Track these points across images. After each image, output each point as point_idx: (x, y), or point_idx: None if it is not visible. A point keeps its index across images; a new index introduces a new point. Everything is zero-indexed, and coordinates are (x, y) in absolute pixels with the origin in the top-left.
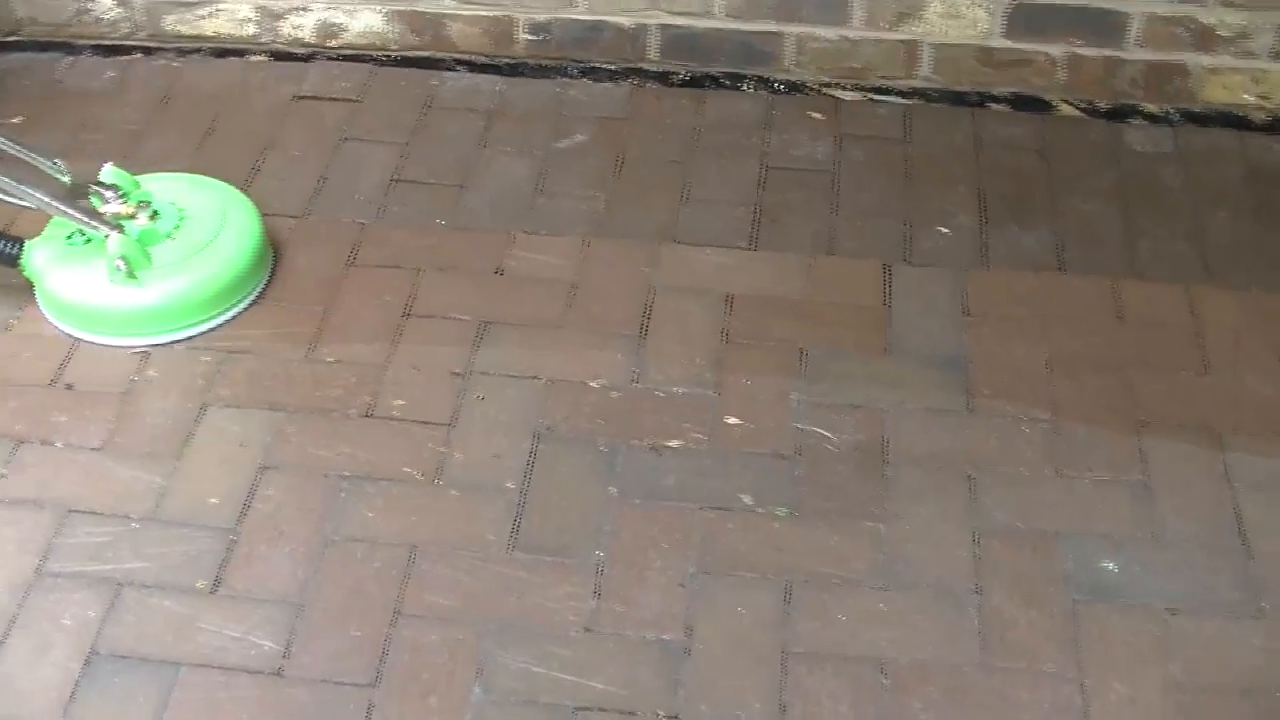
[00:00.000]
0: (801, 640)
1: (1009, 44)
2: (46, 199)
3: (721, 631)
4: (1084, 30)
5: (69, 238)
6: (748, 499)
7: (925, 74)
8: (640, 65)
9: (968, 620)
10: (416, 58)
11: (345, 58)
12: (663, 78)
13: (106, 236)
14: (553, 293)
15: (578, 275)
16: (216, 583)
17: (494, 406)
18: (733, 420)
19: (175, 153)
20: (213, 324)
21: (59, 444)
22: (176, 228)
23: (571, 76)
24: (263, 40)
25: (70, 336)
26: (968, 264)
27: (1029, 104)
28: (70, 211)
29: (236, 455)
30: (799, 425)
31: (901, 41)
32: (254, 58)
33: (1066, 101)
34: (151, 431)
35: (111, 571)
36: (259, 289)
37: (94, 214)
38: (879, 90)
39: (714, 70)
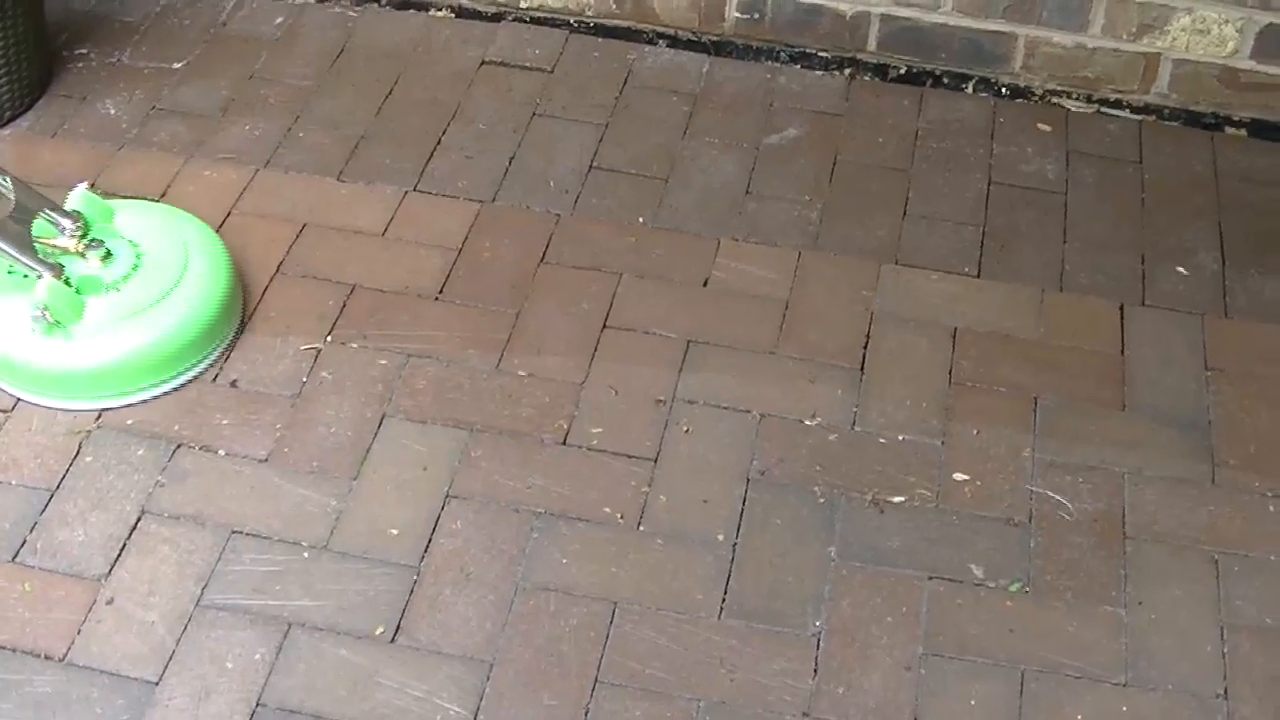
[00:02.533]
0: None
1: (1255, 66)
2: None
3: None
4: None
5: (11, 268)
6: (979, 570)
7: (1161, 90)
8: (856, 55)
9: None
10: (615, 27)
11: (536, 20)
12: (879, 70)
13: (37, 277)
14: (764, 312)
15: (791, 293)
16: (397, 630)
17: (702, 442)
18: (961, 476)
19: (351, 117)
20: (145, 395)
21: (222, 452)
22: (125, 278)
23: (782, 61)
24: None
25: None
26: (1207, 309)
27: (1269, 131)
28: None
29: (419, 480)
30: (1032, 487)
31: (1141, 54)
32: (437, 12)
33: None
34: (323, 443)
35: (280, 608)
36: (208, 360)
37: (27, 247)
38: (1110, 103)
39: (935, 67)
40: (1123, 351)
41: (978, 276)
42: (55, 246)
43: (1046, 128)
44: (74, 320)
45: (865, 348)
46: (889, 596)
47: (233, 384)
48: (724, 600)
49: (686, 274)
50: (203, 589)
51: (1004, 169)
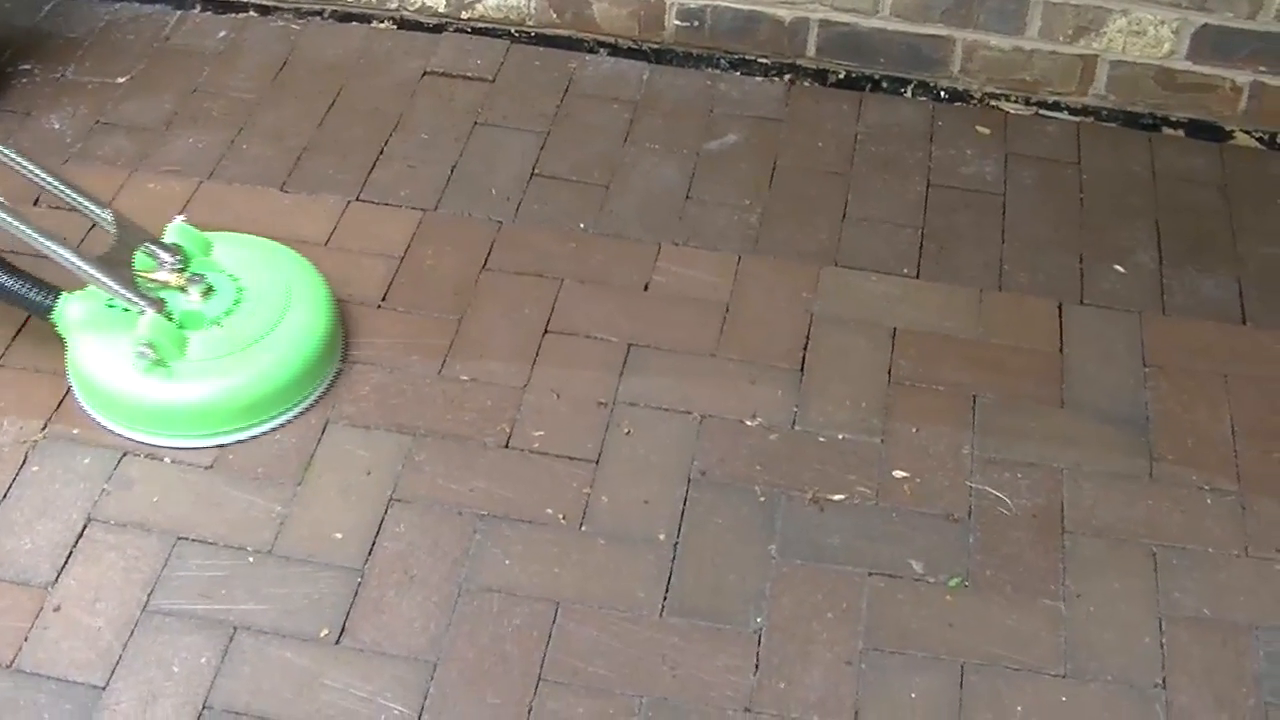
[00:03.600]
0: None
1: (1192, 66)
2: (70, 256)
3: (891, 719)
4: (1271, 58)
5: (111, 300)
6: (918, 566)
7: (1099, 91)
8: (796, 61)
9: (1154, 719)
10: (555, 36)
11: (478, 31)
12: (819, 75)
13: (140, 313)
14: (704, 315)
15: (731, 296)
16: (341, 632)
17: (643, 443)
18: (900, 474)
19: (294, 128)
20: (243, 435)
21: (168, 460)
22: (228, 313)
23: (722, 68)
24: (390, 6)
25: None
26: (1145, 307)
27: (1205, 130)
28: (100, 277)
29: (363, 484)
30: (971, 484)
31: (1079, 55)
32: (380, 24)
33: (1245, 131)
34: (267, 450)
35: (225, 612)
36: (312, 397)
37: (130, 282)
38: (1048, 105)
39: (874, 72)
40: (1061, 350)
41: (917, 277)
42: (156, 280)
43: (985, 130)
44: (177, 356)
45: (805, 349)
46: (829, 593)
47: None
48: (666, 598)
49: (627, 279)
50: (149, 595)
51: (943, 171)
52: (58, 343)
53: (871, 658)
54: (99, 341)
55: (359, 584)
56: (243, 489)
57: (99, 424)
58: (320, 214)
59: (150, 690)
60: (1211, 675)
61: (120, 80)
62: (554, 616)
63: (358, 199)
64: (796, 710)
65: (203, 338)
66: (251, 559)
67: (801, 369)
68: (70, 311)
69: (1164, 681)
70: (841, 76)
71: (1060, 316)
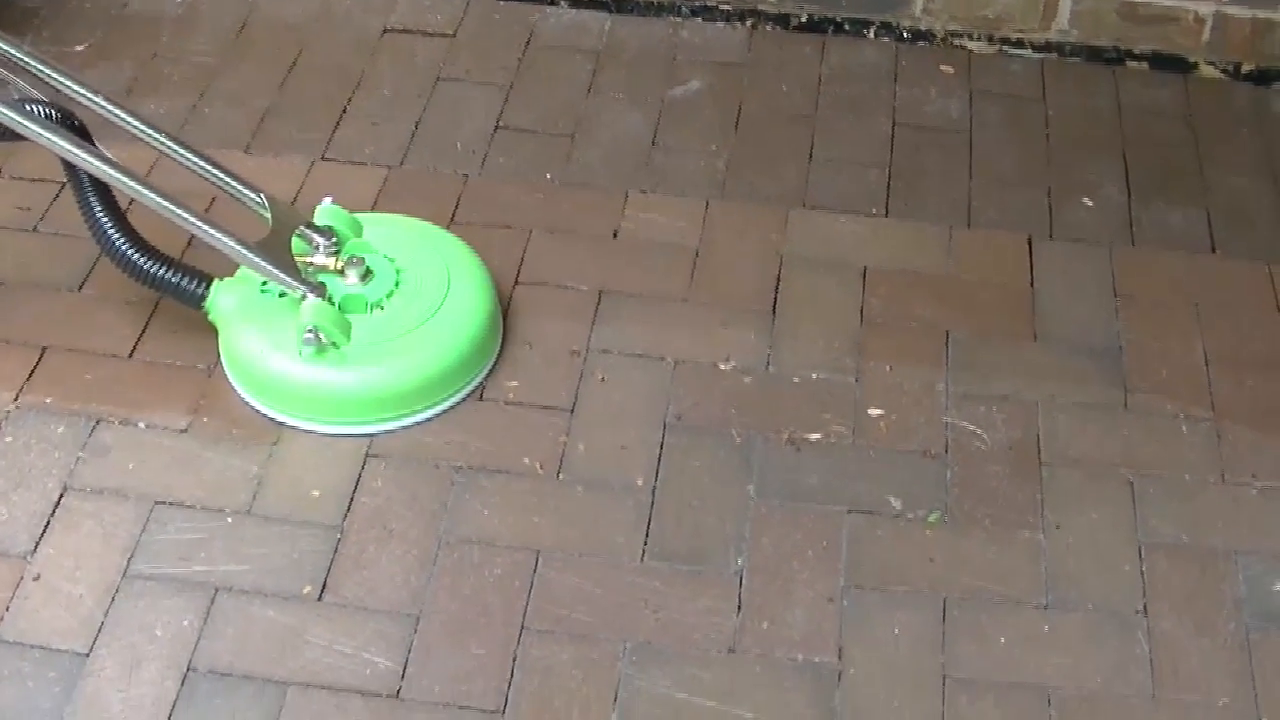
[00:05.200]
0: (961, 665)
1: None
2: (232, 243)
3: (875, 654)
4: None
5: (263, 285)
6: (896, 502)
7: (1061, 27)
8: (758, 6)
9: (1136, 646)
10: None
11: None
12: (781, 20)
13: (301, 297)
14: (674, 261)
15: (700, 241)
16: (323, 589)
17: (618, 390)
18: (876, 412)
19: (255, 90)
20: (414, 420)
21: (142, 425)
22: (389, 295)
23: (683, 15)
24: None
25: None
26: (1114, 240)
27: (1169, 63)
28: (259, 262)
29: (337, 442)
30: (947, 419)
31: None
32: None
33: (1209, 63)
34: (241, 411)
35: (206, 574)
36: (478, 379)
37: (289, 267)
38: (1011, 42)
39: (836, 14)
40: (1032, 284)
41: (885, 216)
42: (313, 264)
43: (949, 69)
44: (344, 341)
45: (776, 291)
46: (809, 532)
47: (147, 359)
48: (646, 543)
49: (596, 227)
50: (129, 560)
51: (908, 111)
52: (25, 310)
53: (853, 595)
54: (258, 329)
55: (339, 541)
56: (218, 451)
57: (260, 412)
58: (286, 175)
59: (134, 655)
60: (1192, 601)
61: (79, 48)
62: (535, 565)
63: (322, 158)
64: (780, 649)
65: (366, 321)
66: (230, 520)
67: (773, 311)
68: (223, 300)
69: (1145, 609)
70: (804, 20)
71: (1030, 251)
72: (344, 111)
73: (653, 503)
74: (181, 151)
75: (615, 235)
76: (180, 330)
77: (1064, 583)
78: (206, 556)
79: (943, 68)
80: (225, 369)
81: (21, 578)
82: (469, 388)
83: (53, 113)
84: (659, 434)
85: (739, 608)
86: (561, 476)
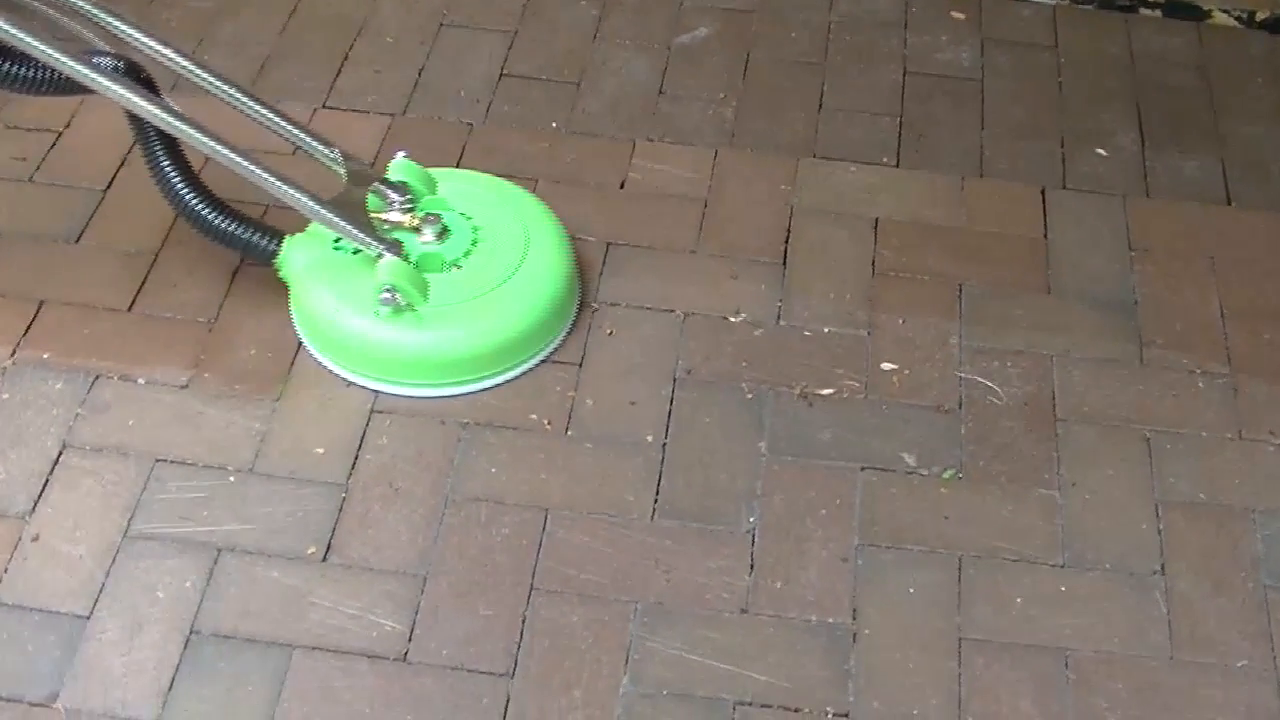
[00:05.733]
0: (977, 626)
1: None
2: (307, 200)
3: (890, 615)
4: None
5: (336, 242)
6: (911, 459)
7: None
8: None
9: (1154, 607)
10: None
11: None
12: None
13: (377, 256)
14: (683, 211)
15: (709, 191)
16: (328, 549)
17: (626, 344)
18: (889, 366)
19: (255, 37)
20: (491, 383)
21: (141, 381)
22: (467, 254)
23: None
24: None
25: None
26: (1128, 190)
27: (1182, 10)
28: (335, 220)
29: (341, 397)
30: (961, 374)
31: None
32: None
33: (1223, 10)
34: (243, 366)
35: (209, 534)
36: (556, 342)
37: (365, 224)
38: None
39: None
40: (1045, 235)
41: (897, 166)
42: (388, 221)
43: (960, 16)
44: (421, 301)
45: (786, 243)
46: (822, 489)
47: (147, 313)
48: (656, 501)
49: (602, 177)
50: (129, 520)
51: (918, 59)
52: (21, 263)
53: (867, 553)
54: (332, 287)
55: (343, 499)
56: (220, 408)
57: (333, 373)
58: (210, 114)
59: (135, 618)
60: (1209, 560)
61: None
62: (543, 524)
63: (324, 106)
64: (794, 610)
65: (443, 281)
66: (233, 478)
67: (784, 263)
68: (295, 257)
69: (1162, 568)
70: None
71: (1043, 202)
72: (345, 59)
73: (663, 459)
74: (254, 105)
75: (622, 185)
76: (181, 283)
77: (1080, 541)
78: (209, 516)
79: (953, 14)
80: (296, 327)
81: (20, 538)
82: (546, 351)
83: (120, 65)
84: (669, 389)
85: (751, 567)
86: (570, 433)
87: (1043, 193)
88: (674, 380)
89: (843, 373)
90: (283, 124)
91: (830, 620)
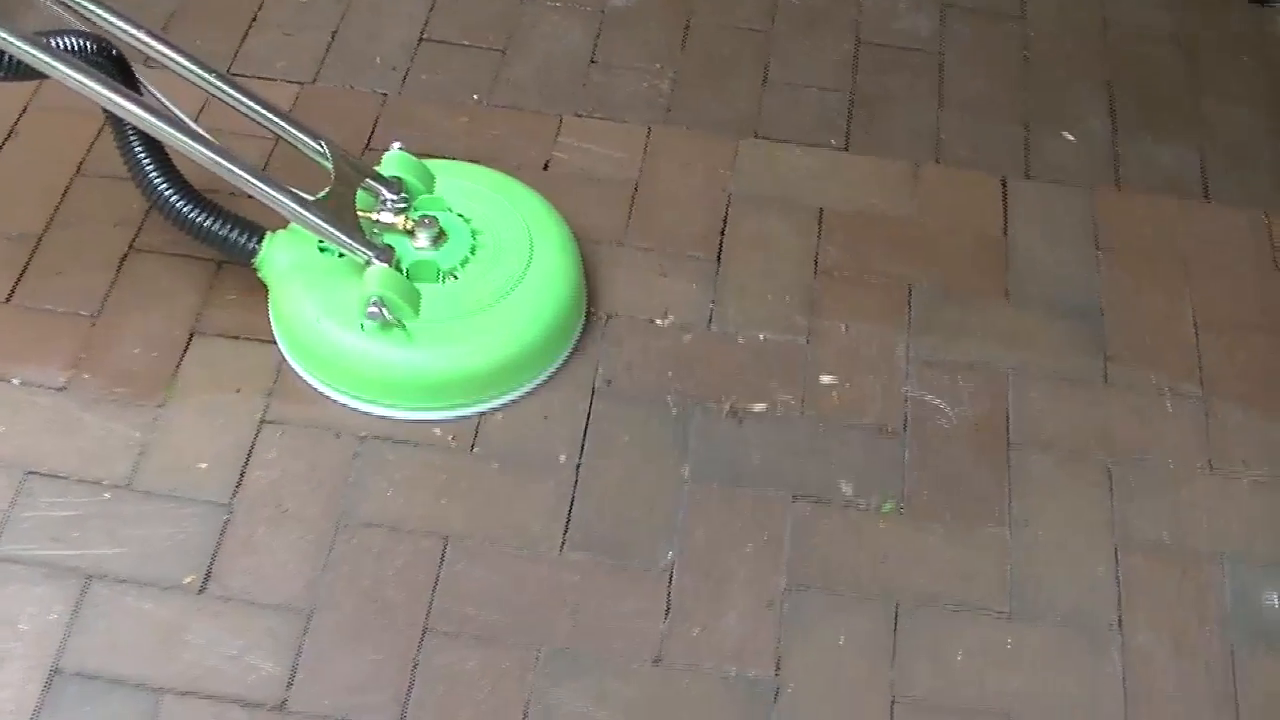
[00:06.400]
0: (913, 684)
1: None
2: (288, 201)
3: (818, 669)
4: None
5: (322, 242)
6: (848, 488)
7: None
8: None
9: (1108, 665)
10: None
11: None
12: None
13: (365, 263)
14: (611, 196)
15: (640, 174)
16: (207, 578)
17: None
18: (828, 379)
19: None
20: (488, 406)
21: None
22: (464, 262)
23: None
24: None
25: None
26: (1097, 180)
27: None
28: (319, 223)
29: (230, 404)
30: (907, 390)
31: None
32: None
33: None
34: (128, 366)
35: (79, 558)
36: (558, 362)
37: (353, 227)
38: None
39: None
40: (1005, 231)
41: (845, 149)
42: (379, 223)
43: None
44: (412, 316)
45: (723, 234)
46: (749, 521)
47: (26, 304)
48: (566, 531)
49: (525, 156)
50: None
51: (873, 27)
52: None
53: (795, 597)
54: (315, 294)
55: (226, 521)
56: (99, 414)
57: (313, 389)
58: (190, 92)
59: None
60: (1172, 613)
61: None
62: (441, 554)
63: (229, 73)
64: (711, 660)
65: (437, 293)
66: (107, 495)
67: (718, 259)
68: (277, 257)
69: (1119, 621)
70: None
71: (1004, 193)
72: (254, 20)
73: (576, 482)
74: (231, 92)
75: (546, 166)
76: (68, 269)
77: (1030, 588)
78: (80, 537)
79: None
80: (274, 332)
81: None
82: (548, 372)
83: (86, 45)
84: (586, 402)
85: (667, 610)
86: (475, 450)
87: (1003, 182)
88: (592, 392)
89: (777, 386)
90: (264, 112)
91: (751, 674)
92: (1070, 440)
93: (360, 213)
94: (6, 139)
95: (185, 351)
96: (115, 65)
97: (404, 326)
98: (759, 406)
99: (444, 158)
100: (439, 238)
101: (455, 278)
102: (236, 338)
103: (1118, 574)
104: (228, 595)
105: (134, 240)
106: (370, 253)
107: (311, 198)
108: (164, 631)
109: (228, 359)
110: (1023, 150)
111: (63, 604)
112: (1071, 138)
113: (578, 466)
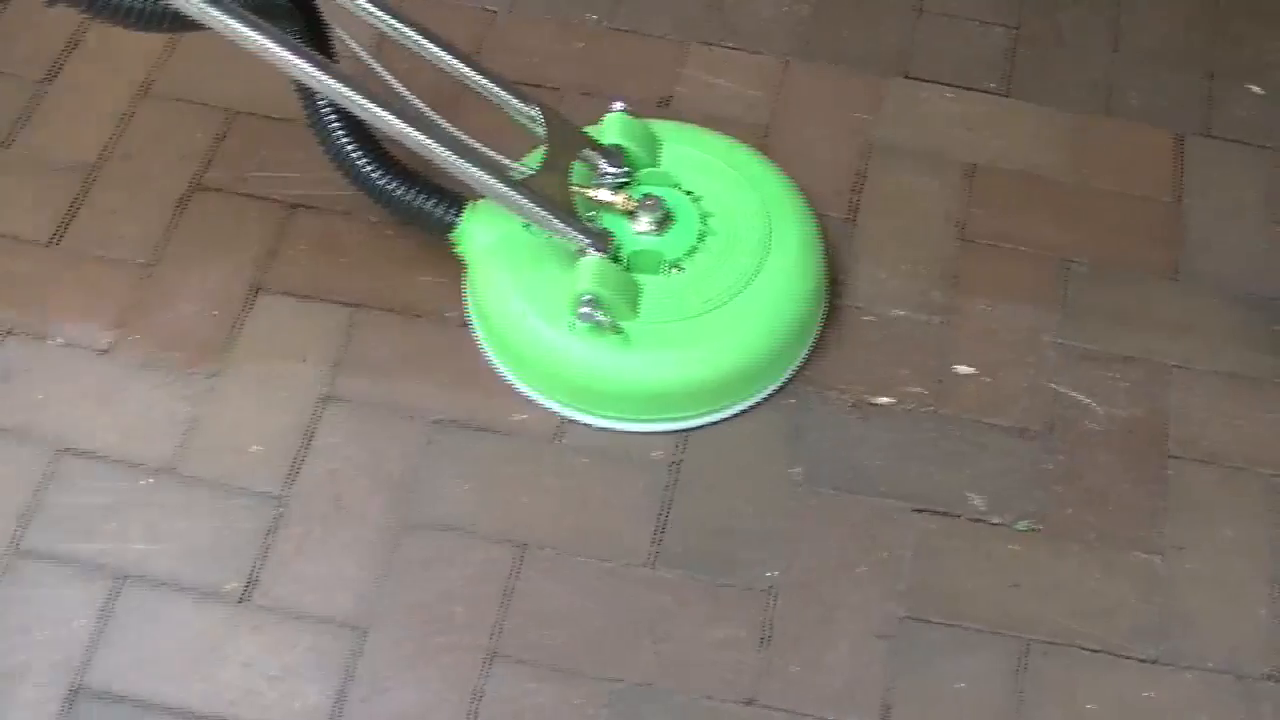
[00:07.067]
0: None
1: None
2: (492, 180)
3: (931, 717)
4: None
5: (528, 225)
6: (979, 501)
7: None
8: None
9: None
10: None
11: None
12: None
13: (578, 251)
14: (737, 139)
15: (771, 115)
16: (251, 583)
17: None
18: (965, 369)
19: None
20: (715, 418)
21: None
22: (691, 251)
23: None
24: None
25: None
26: None
27: None
28: (528, 205)
29: (293, 375)
30: (1055, 385)
31: None
32: None
33: None
34: (180, 327)
35: (112, 554)
36: (798, 361)
37: (566, 208)
38: None
39: None
40: (1180, 199)
41: (1006, 95)
42: (596, 200)
43: None
44: (631, 316)
45: (859, 191)
46: (864, 536)
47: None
48: (658, 540)
49: (644, 88)
50: (22, 531)
51: None
52: None
53: (911, 629)
54: (519, 281)
55: (277, 516)
56: (145, 381)
57: (512, 387)
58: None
59: (11, 667)
60: None
61: None
62: (518, 564)
63: None
64: (812, 703)
65: (659, 287)
66: (150, 480)
67: (852, 219)
68: (477, 233)
69: (1278, 673)
70: None
71: (1179, 153)
72: None
73: (674, 483)
74: (433, 48)
75: (666, 103)
76: (122, 209)
77: (1180, 628)
78: (116, 530)
79: None
80: (471, 318)
81: None
82: (785, 377)
83: None
84: None
85: (764, 639)
86: (561, 441)
87: (1179, 140)
88: None
89: (908, 375)
90: (469, 72)
91: None
92: (1236, 452)
93: (576, 187)
94: (72, 50)
95: (248, 311)
96: (307, 18)
97: (620, 330)
98: (884, 399)
99: (550, 89)
100: (664, 221)
101: (680, 269)
102: (307, 297)
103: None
104: (273, 605)
105: (200, 176)
106: (586, 240)
107: (520, 170)
108: (199, 647)
109: (295, 322)
110: (1205, 104)
111: (90, 611)
112: (1261, 91)
113: (677, 464)
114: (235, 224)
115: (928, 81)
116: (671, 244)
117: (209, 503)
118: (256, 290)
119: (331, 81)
